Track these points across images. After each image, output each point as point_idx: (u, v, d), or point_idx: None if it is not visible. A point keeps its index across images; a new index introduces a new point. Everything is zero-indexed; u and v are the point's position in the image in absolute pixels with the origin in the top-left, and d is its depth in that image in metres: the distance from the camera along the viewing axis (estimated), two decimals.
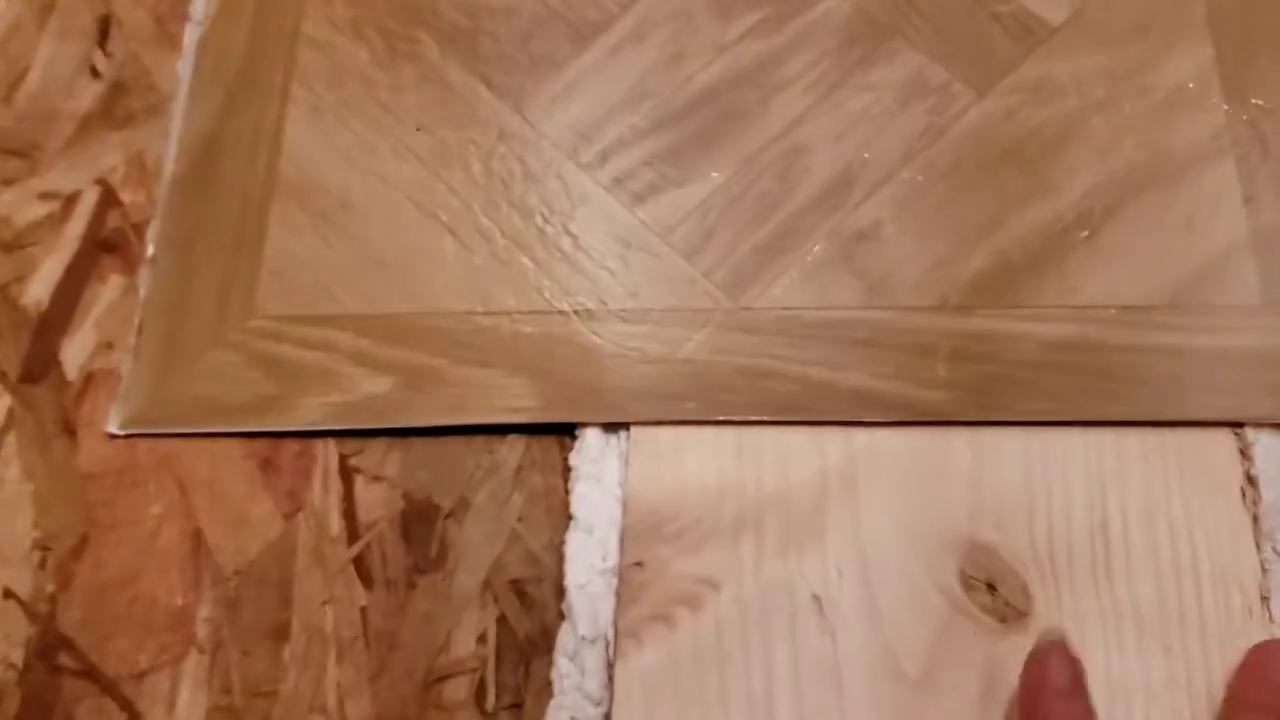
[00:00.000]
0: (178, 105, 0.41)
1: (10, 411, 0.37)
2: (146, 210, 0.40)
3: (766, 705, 0.31)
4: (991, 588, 0.32)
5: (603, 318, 0.36)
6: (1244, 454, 0.33)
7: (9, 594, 0.34)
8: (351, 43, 0.41)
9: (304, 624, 0.34)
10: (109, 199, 0.40)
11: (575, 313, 0.36)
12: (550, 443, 0.36)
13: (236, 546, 0.35)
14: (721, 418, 0.34)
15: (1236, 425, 0.33)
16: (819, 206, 0.37)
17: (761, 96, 0.39)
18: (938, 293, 0.35)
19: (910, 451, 0.34)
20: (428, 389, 0.35)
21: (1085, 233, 0.36)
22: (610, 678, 0.31)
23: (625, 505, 0.33)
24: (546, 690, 0.32)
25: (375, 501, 0.35)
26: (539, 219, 0.38)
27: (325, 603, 0.34)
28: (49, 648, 0.34)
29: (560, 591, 0.33)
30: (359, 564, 0.34)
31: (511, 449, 0.35)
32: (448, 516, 0.35)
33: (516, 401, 0.35)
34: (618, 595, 0.32)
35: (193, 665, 0.33)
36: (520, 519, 0.35)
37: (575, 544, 0.33)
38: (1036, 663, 0.29)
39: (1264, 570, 0.31)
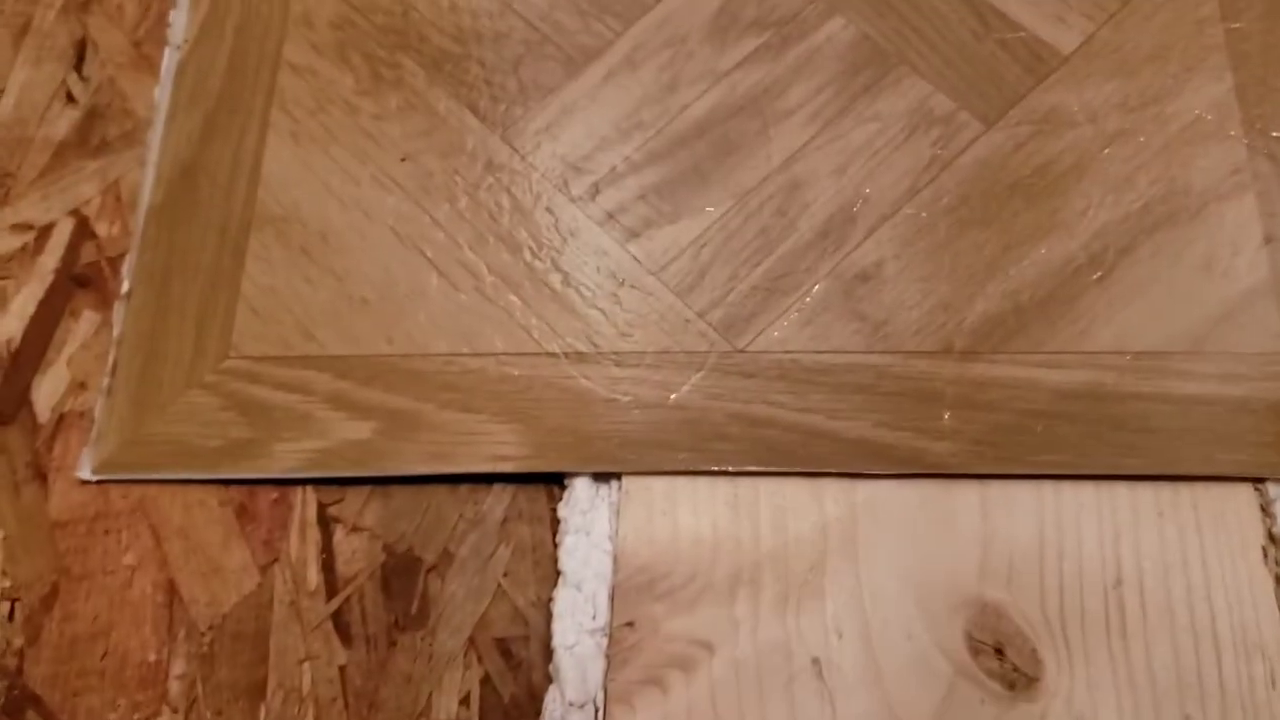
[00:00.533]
0: (155, 133, 0.39)
1: None
2: (122, 243, 0.38)
3: None
4: (999, 651, 0.30)
5: (594, 360, 0.34)
6: (1266, 511, 0.31)
7: None
8: (335, 68, 0.40)
9: (280, 682, 0.32)
10: (84, 231, 0.39)
11: (565, 355, 0.35)
12: (538, 492, 0.34)
13: (211, 598, 0.33)
14: (716, 468, 0.33)
15: (1258, 480, 0.32)
16: (819, 244, 0.35)
17: (760, 127, 0.37)
18: (942, 336, 0.34)
19: (914, 504, 0.32)
20: (410, 435, 0.34)
21: (1098, 274, 0.34)
22: None
23: (616, 560, 0.32)
24: None
25: (355, 553, 0.34)
26: (527, 254, 0.36)
27: (302, 660, 0.33)
28: (16, 705, 0.32)
29: (548, 651, 0.31)
30: (338, 619, 0.33)
31: (497, 499, 0.34)
32: (430, 570, 0.33)
33: (503, 449, 0.33)
34: (608, 657, 0.31)
35: None
36: (506, 574, 0.33)
37: (563, 601, 0.32)
38: None
39: None
